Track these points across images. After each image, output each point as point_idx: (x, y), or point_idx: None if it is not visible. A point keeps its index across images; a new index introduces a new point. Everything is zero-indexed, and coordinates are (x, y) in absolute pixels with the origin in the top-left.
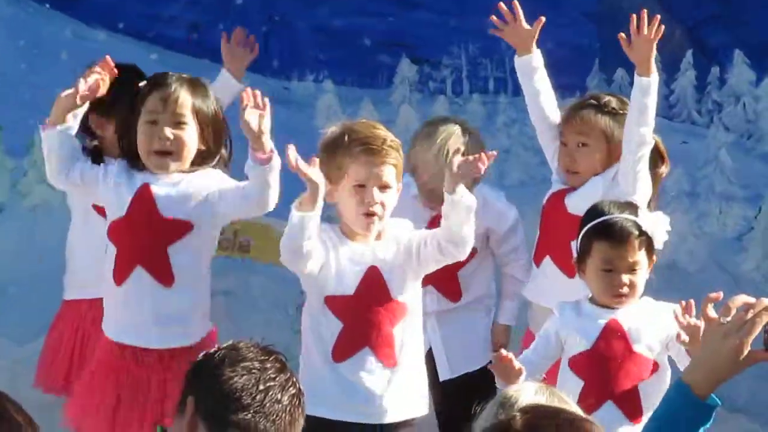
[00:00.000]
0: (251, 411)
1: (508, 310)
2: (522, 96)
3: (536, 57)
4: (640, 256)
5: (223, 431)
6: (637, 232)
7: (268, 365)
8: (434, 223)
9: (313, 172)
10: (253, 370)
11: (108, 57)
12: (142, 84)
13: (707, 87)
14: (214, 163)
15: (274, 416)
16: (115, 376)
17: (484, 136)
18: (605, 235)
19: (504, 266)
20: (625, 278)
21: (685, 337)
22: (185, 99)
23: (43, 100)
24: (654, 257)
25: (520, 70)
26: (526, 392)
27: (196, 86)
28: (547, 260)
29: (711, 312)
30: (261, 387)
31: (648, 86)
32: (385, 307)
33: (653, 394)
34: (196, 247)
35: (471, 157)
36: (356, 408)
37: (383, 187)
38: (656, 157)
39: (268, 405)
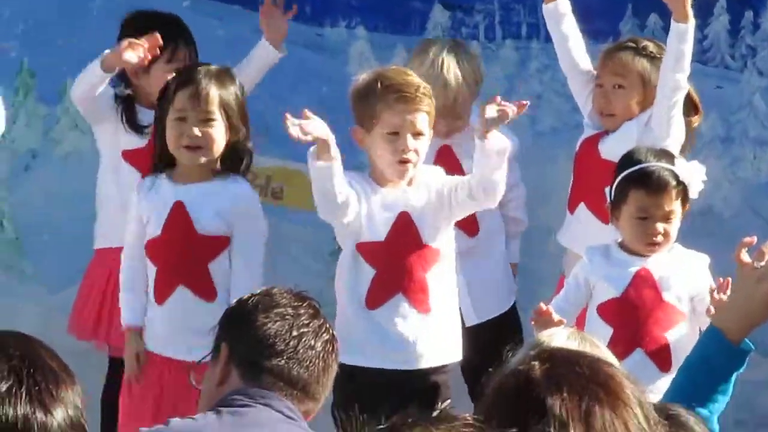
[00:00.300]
0: (284, 357)
1: (513, 248)
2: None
3: (563, 3)
4: (676, 206)
5: (257, 377)
6: (674, 182)
7: (302, 311)
8: (441, 154)
9: (316, 129)
10: (287, 316)
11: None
12: (170, 77)
13: (741, 31)
14: (244, 165)
15: (308, 362)
16: (157, 371)
17: (517, 82)
18: (642, 184)
19: (502, 207)
20: (660, 227)
21: (713, 312)
22: (213, 96)
23: (76, 46)
24: (687, 206)
25: (548, 17)
26: (558, 338)
27: (224, 78)
28: (582, 206)
29: (745, 256)
30: (294, 333)
31: (685, 32)
32: (416, 253)
33: (683, 343)
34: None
35: (500, 102)
36: (390, 355)
37: (417, 135)
38: (689, 107)
39: (301, 351)
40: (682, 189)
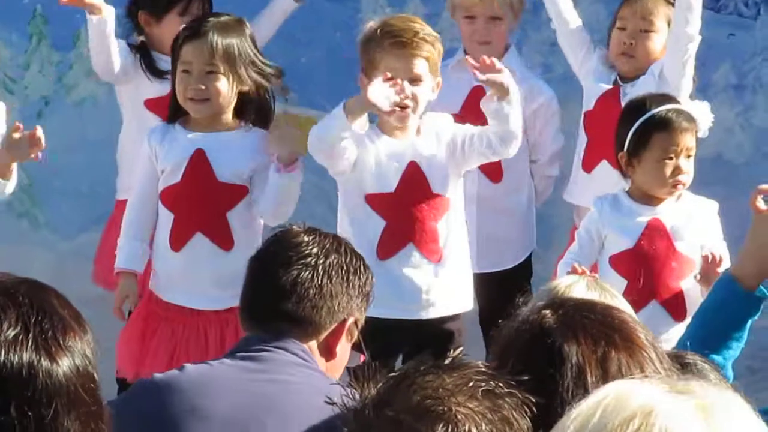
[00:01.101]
0: (293, 300)
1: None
2: None
3: None
4: (692, 144)
5: (266, 323)
6: (690, 120)
7: (305, 242)
8: (473, 96)
9: (372, 92)
10: (301, 259)
11: None
12: (181, 29)
13: None
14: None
15: (317, 299)
16: (170, 327)
17: (531, 30)
18: (665, 126)
19: (534, 162)
20: (685, 165)
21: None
22: (217, 48)
23: None
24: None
25: None
26: (577, 289)
27: (230, 29)
28: (604, 164)
29: (760, 203)
30: (305, 274)
31: None
32: (427, 203)
33: (695, 292)
34: (251, 209)
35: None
36: (403, 304)
37: (414, 80)
38: None
39: (310, 290)
40: (695, 127)
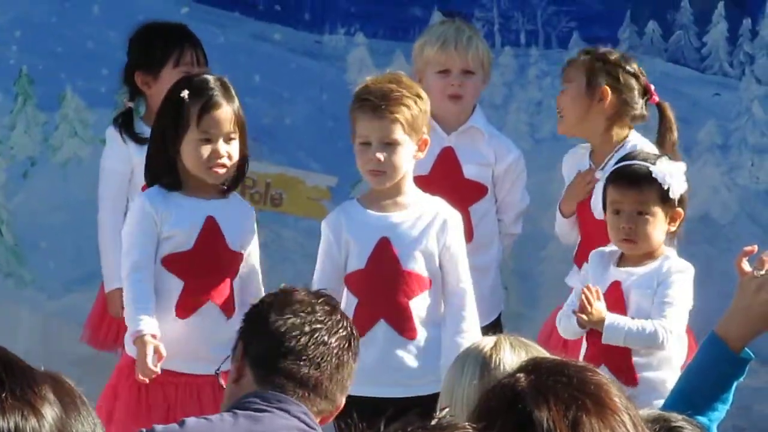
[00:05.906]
0: (294, 354)
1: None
2: (553, 48)
3: None
4: (651, 204)
5: (269, 378)
6: (647, 179)
7: (317, 308)
8: (443, 157)
9: None
10: (300, 313)
11: None
12: (184, 94)
13: (739, 39)
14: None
15: (320, 359)
16: (162, 390)
17: (516, 89)
18: (616, 178)
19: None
20: (632, 221)
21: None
22: (234, 113)
23: (74, 53)
24: (679, 211)
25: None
26: (503, 350)
27: (230, 92)
28: None
29: (745, 265)
30: (306, 329)
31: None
32: (397, 279)
33: (645, 357)
34: (241, 275)
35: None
36: (384, 382)
37: (387, 144)
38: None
39: (312, 348)
40: (658, 188)
